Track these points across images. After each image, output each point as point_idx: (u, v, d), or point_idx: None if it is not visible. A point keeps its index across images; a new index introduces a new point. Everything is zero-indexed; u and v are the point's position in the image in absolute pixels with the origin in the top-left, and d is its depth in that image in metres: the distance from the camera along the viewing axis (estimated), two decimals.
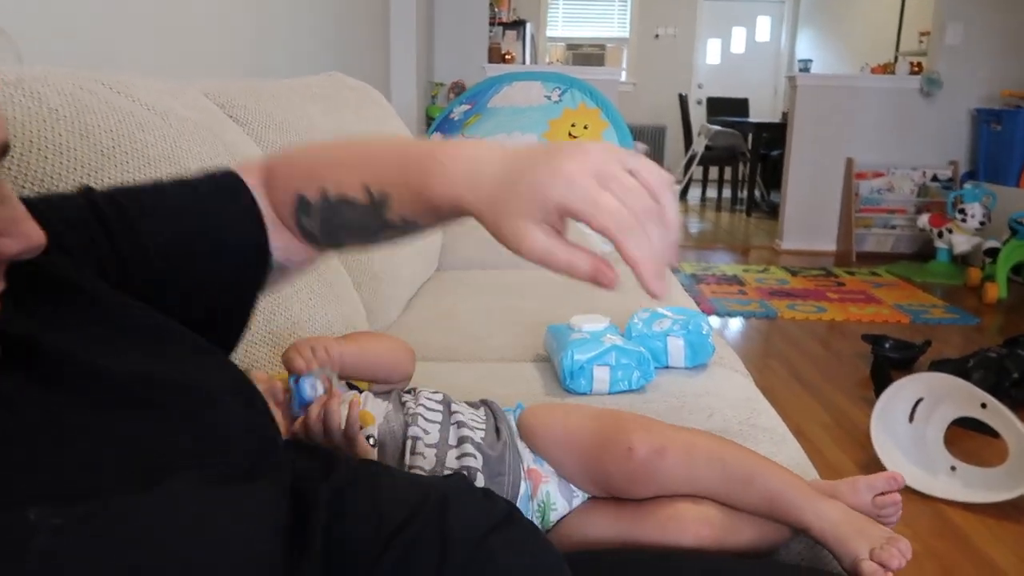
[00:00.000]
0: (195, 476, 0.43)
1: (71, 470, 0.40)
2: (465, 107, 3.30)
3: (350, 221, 0.59)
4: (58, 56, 1.13)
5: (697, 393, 1.14)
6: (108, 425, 0.43)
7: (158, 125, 0.89)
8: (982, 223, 3.95)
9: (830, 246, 4.79)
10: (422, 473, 0.76)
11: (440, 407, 0.82)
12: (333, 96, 1.67)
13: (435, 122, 3.44)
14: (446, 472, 0.76)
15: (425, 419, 0.80)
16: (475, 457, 0.77)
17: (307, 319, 0.98)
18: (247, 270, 0.62)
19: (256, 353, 0.86)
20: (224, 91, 1.26)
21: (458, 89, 4.46)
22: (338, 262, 1.23)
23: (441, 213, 0.55)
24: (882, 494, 0.77)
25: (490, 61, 4.63)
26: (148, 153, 0.84)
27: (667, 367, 1.24)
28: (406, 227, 0.58)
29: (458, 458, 0.77)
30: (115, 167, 0.78)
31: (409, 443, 0.77)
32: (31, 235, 0.40)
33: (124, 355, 0.47)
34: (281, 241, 0.62)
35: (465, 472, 0.76)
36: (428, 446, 0.77)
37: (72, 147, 0.73)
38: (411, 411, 0.80)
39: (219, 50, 1.71)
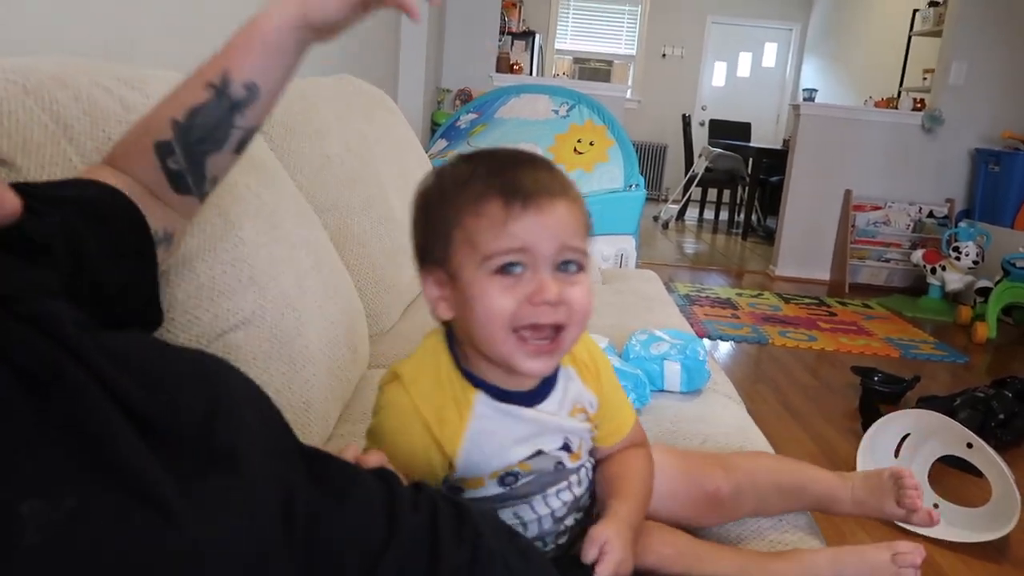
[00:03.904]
0: (179, 473, 0.44)
1: (62, 467, 0.41)
2: (472, 116, 3.31)
3: (205, 126, 0.66)
4: (77, 44, 1.13)
5: (691, 419, 1.14)
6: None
7: None
8: (975, 262, 3.98)
9: (824, 275, 4.82)
10: None
11: None
12: (343, 99, 1.67)
13: (441, 128, 3.45)
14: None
15: None
16: None
17: (312, 320, 0.98)
18: (138, 253, 0.66)
19: (267, 351, 0.86)
20: None
21: (464, 96, 4.47)
22: (343, 266, 1.23)
23: (279, 47, 0.67)
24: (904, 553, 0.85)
25: (498, 70, 4.65)
26: None
27: (663, 391, 1.24)
28: (252, 94, 0.67)
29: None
30: None
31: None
32: (3, 202, 0.43)
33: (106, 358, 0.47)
34: (156, 213, 0.67)
35: None
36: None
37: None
38: None
39: None
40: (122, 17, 1.26)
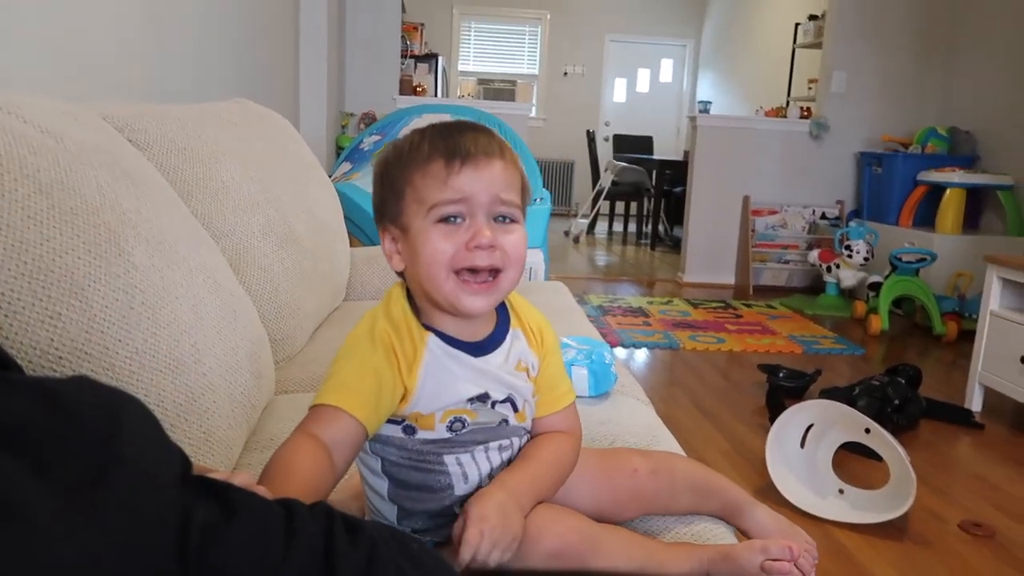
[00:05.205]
0: (65, 487, 0.43)
1: None
2: (375, 137, 3.30)
3: None
4: None
5: (600, 421, 1.17)
6: None
7: (51, 148, 0.85)
8: (866, 259, 4.21)
9: (729, 279, 5.00)
10: None
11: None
12: (240, 123, 1.64)
13: (345, 151, 3.43)
14: None
15: None
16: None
17: (211, 347, 0.95)
18: None
19: (160, 382, 0.83)
20: (124, 114, 1.23)
21: (368, 120, 4.45)
22: (243, 291, 1.20)
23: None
24: (774, 560, 0.86)
25: (401, 93, 4.65)
26: (40, 179, 0.80)
27: None
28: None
29: None
30: (2, 196, 0.74)
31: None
32: None
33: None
34: None
35: None
36: None
37: None
38: None
39: (119, 73, 1.67)
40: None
